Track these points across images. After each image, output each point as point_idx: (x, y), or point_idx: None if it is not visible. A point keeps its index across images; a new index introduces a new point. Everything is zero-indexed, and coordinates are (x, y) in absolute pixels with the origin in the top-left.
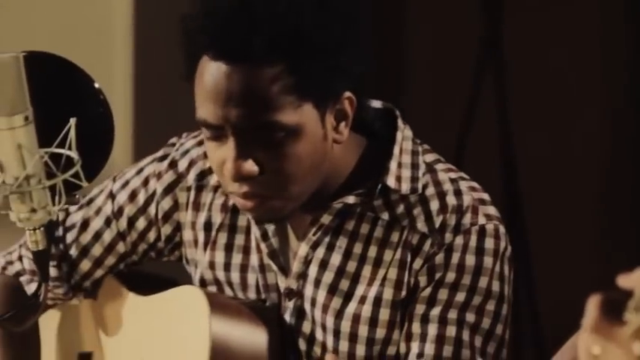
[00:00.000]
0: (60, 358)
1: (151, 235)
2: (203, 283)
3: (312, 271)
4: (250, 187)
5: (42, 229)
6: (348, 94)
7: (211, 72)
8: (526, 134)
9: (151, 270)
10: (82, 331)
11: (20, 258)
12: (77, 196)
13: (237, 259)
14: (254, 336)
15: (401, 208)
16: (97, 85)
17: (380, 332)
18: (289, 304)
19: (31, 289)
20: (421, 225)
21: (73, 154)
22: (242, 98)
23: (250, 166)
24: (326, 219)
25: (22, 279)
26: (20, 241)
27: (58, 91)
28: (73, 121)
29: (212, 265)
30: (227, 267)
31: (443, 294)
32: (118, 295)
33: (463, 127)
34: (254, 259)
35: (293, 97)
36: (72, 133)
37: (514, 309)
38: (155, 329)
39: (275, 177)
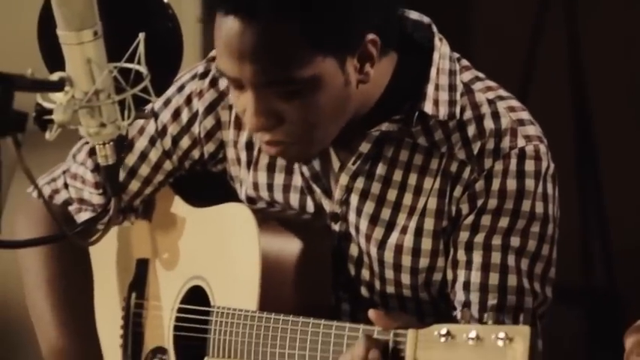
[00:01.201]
0: (120, 264)
1: (195, 153)
2: (250, 201)
3: (354, 200)
4: (272, 136)
5: (111, 143)
6: (371, 36)
7: (225, 27)
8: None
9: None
10: (140, 239)
11: (66, 186)
12: (146, 111)
13: (279, 179)
14: (305, 253)
15: (439, 134)
16: (165, 0)
17: (423, 262)
18: (335, 227)
19: (80, 218)
20: (460, 152)
21: (142, 68)
22: (255, 55)
23: (269, 119)
24: (364, 147)
25: (71, 208)
26: (63, 167)
27: (126, 6)
28: (141, 35)
29: (256, 186)
30: (270, 187)
31: (486, 220)
32: (172, 204)
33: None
34: (297, 180)
35: (307, 51)
36: (141, 48)
37: (583, 230)
38: (207, 242)
39: (296, 126)
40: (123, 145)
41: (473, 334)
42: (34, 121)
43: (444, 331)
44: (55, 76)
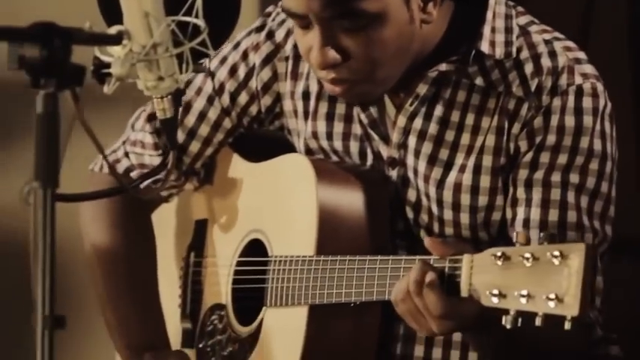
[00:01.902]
0: (179, 227)
1: (253, 109)
2: (308, 152)
3: (412, 141)
4: (337, 74)
5: (169, 97)
6: None
7: None
8: None
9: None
10: (199, 200)
11: (127, 154)
12: (204, 65)
13: (339, 127)
14: (362, 202)
15: (496, 74)
16: None
17: (482, 200)
18: (393, 173)
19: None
20: (517, 89)
21: (200, 22)
22: None
23: (335, 54)
24: (422, 88)
25: (133, 174)
26: (122, 138)
27: None
28: None
29: (315, 135)
30: (329, 136)
31: (545, 157)
32: (231, 163)
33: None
34: (356, 129)
35: None
36: (198, 1)
37: None
38: (265, 196)
39: (361, 63)
40: (180, 98)
41: (528, 254)
42: (92, 74)
43: (499, 254)
44: (113, 30)
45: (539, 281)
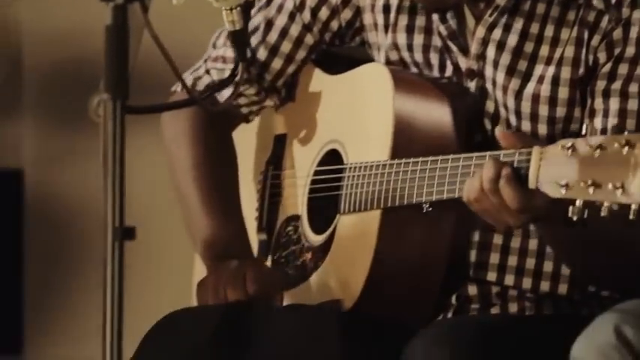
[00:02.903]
0: (259, 143)
1: (334, 24)
2: (389, 65)
3: (490, 52)
4: None
5: (238, 8)
6: None
7: None
8: None
9: (343, 49)
10: (278, 116)
11: (207, 71)
12: None
13: (419, 39)
14: (439, 112)
15: None
16: None
17: (560, 111)
18: (471, 84)
19: (223, 97)
20: (597, 2)
21: None
22: None
23: None
24: (501, 0)
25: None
26: (204, 57)
27: None
28: None
29: (395, 46)
30: (410, 48)
31: (623, 68)
32: (311, 77)
33: None
34: (436, 40)
35: None
36: None
37: None
38: (343, 106)
39: None
40: (250, 10)
41: (596, 145)
42: None
43: (568, 144)
44: None
45: (606, 171)
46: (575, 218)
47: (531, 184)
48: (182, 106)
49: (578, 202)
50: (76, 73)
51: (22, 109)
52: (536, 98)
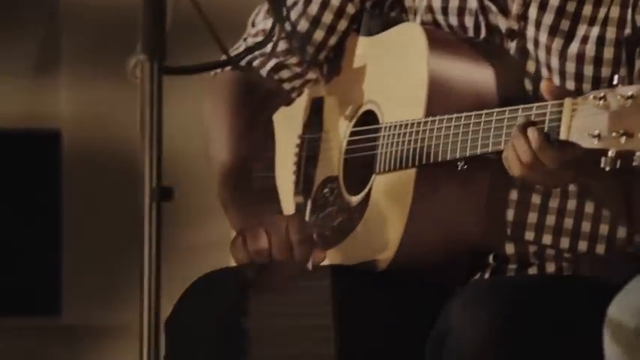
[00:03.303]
0: (297, 107)
1: None
2: None
3: (532, 12)
4: None
5: None
6: None
7: None
8: None
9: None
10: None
11: (245, 39)
12: None
13: (454, 2)
14: (476, 71)
15: None
16: None
17: (605, 71)
18: (512, 45)
19: (265, 70)
20: None
21: None
22: None
23: None
24: None
25: (255, 63)
26: (243, 36)
27: None
28: None
29: (430, 9)
30: (444, 10)
31: None
32: (350, 42)
33: None
34: (471, 3)
35: None
36: None
37: None
38: (379, 66)
39: None
40: None
41: (628, 94)
42: None
43: (600, 95)
44: None
45: (637, 120)
46: (607, 169)
47: (563, 135)
48: (219, 66)
49: (610, 153)
50: (113, 34)
51: (59, 71)
52: (580, 58)
